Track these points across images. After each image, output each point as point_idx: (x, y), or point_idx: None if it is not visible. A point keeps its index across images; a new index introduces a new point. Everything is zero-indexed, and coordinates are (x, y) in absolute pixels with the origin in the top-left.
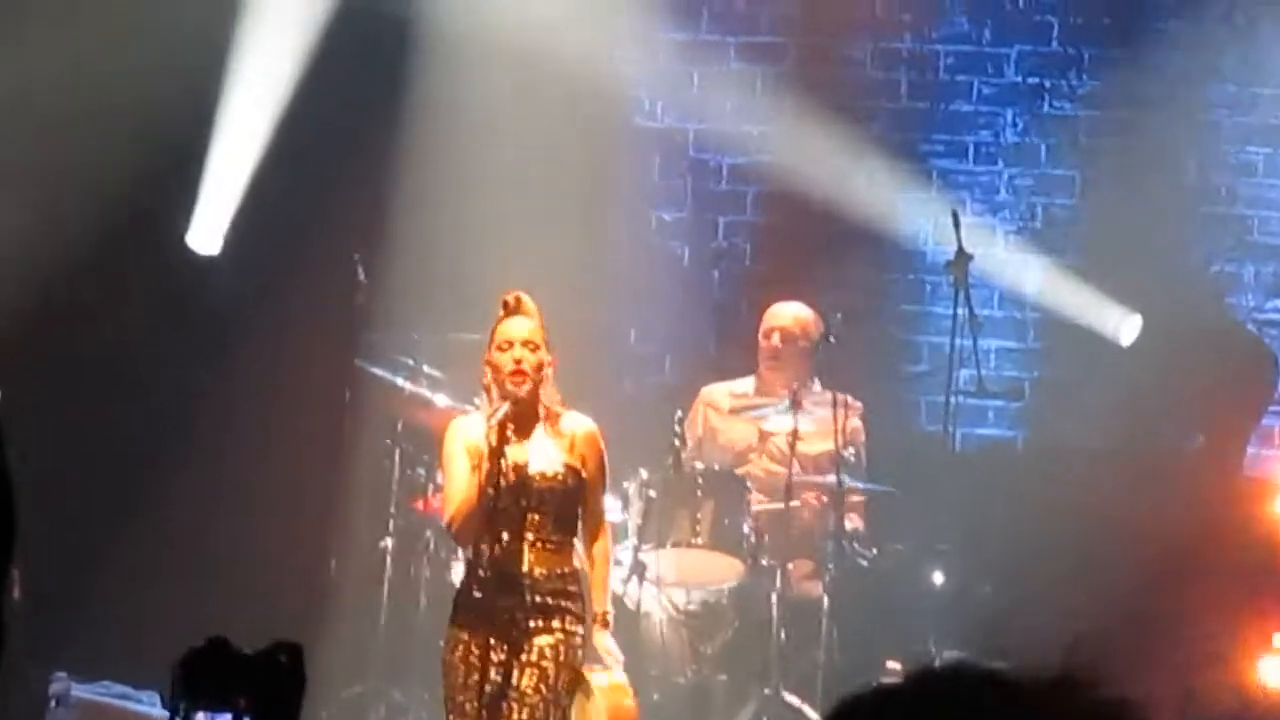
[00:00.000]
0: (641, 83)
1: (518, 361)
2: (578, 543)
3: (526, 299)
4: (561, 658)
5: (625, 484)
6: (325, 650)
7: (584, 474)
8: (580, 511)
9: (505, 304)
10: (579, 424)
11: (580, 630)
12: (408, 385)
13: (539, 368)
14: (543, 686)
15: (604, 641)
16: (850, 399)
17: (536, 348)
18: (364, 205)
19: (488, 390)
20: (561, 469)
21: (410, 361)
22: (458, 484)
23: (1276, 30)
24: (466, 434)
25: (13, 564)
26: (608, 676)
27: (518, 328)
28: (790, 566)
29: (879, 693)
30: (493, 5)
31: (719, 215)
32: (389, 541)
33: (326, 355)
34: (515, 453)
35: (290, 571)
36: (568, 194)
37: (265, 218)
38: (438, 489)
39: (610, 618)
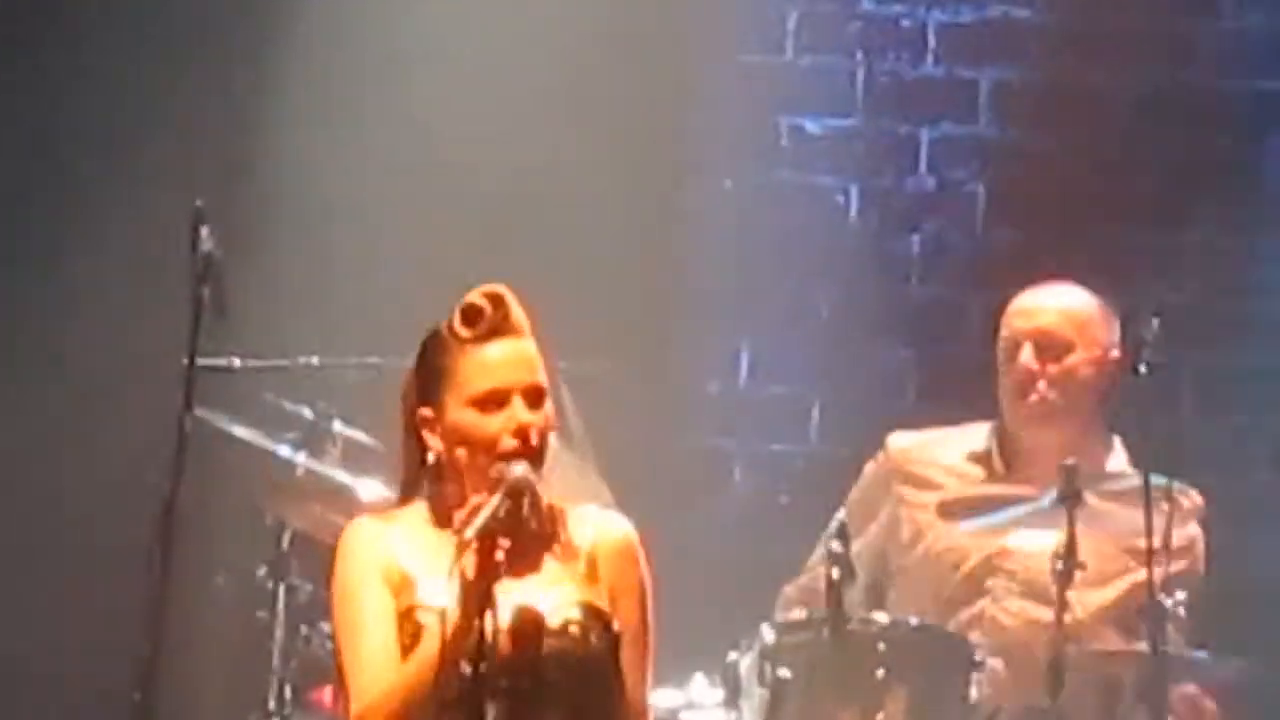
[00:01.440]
0: None
1: (522, 426)
2: None
3: (513, 303)
4: None
5: (733, 655)
6: None
7: (615, 624)
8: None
9: (473, 311)
10: (601, 527)
11: None
12: (301, 460)
13: (547, 432)
14: None
15: None
16: (1183, 487)
17: (542, 395)
18: (217, 115)
19: (436, 474)
20: (578, 615)
21: (307, 413)
22: (373, 653)
23: None
24: (385, 551)
25: None
26: None
27: (508, 360)
28: None
29: None
30: None
31: (919, 127)
32: None
33: (144, 400)
34: (509, 596)
35: None
36: (594, 80)
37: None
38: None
39: None
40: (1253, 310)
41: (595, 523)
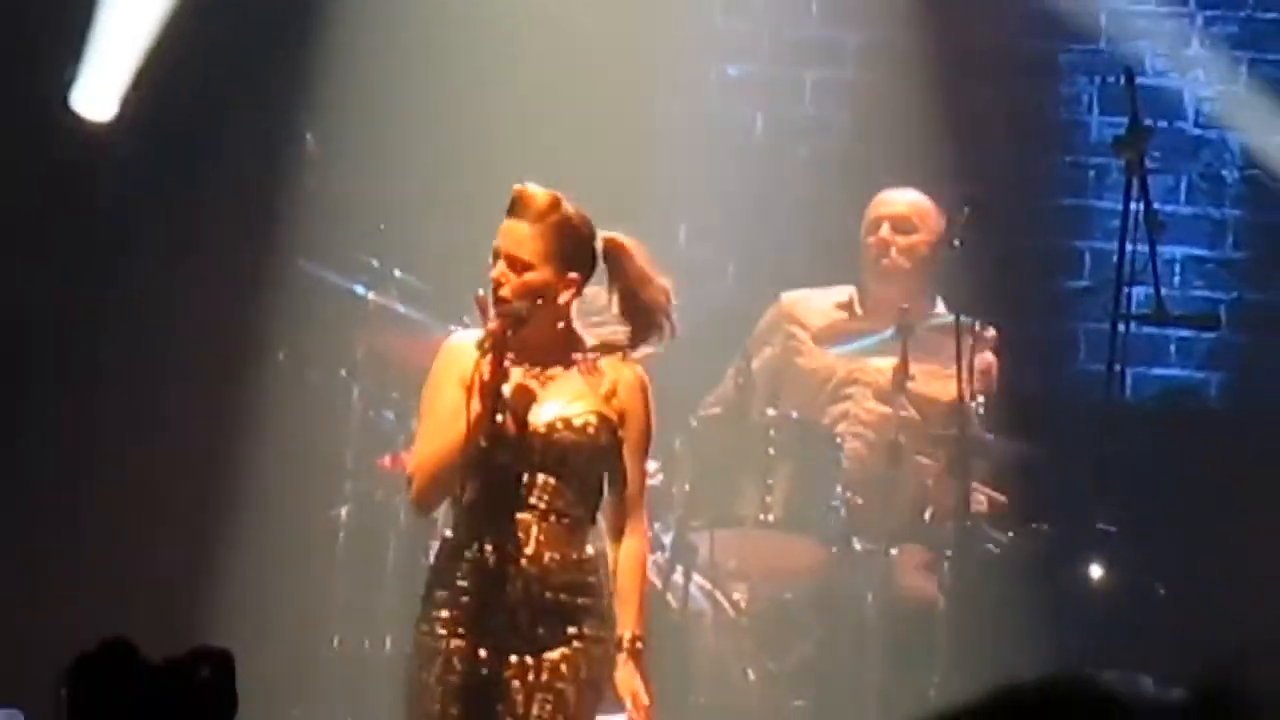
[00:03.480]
0: None
1: (497, 283)
2: (600, 526)
3: (534, 194)
4: (582, 675)
5: (669, 439)
6: (259, 660)
7: (620, 432)
8: (609, 484)
9: (509, 199)
10: (624, 368)
11: (606, 637)
12: (371, 296)
13: (527, 292)
14: (562, 712)
15: (629, 680)
16: (981, 325)
17: (527, 266)
18: (313, 54)
19: (481, 309)
20: (592, 419)
21: (375, 263)
22: (435, 425)
23: None
24: (462, 361)
25: None
26: None
27: (508, 235)
28: (895, 554)
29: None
30: None
31: (805, 70)
32: (343, 511)
33: (258, 256)
34: (519, 393)
35: (206, 556)
36: (598, 40)
37: (175, 74)
38: (411, 440)
39: (641, 644)
40: (1030, 206)
41: (622, 365)
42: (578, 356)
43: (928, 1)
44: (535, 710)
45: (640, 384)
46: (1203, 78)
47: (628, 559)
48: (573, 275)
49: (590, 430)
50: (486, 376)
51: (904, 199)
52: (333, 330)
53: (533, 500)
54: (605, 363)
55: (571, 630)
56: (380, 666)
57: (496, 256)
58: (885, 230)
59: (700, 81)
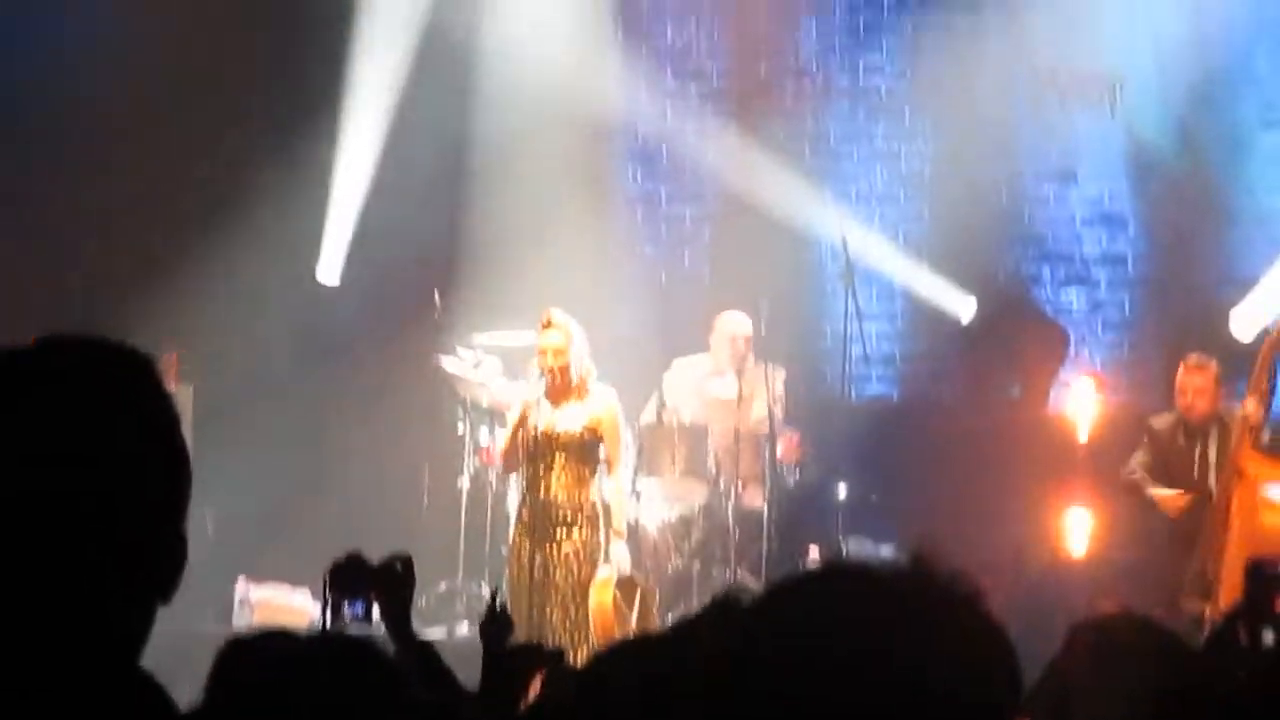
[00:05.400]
0: (628, 151)
1: (542, 362)
2: (597, 480)
3: (555, 316)
4: (581, 556)
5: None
6: (424, 557)
7: (599, 433)
8: (597, 459)
9: (542, 320)
10: (600, 396)
11: (597, 537)
12: (471, 374)
13: (560, 364)
14: (570, 576)
15: (615, 550)
16: (775, 369)
17: (559, 353)
18: (441, 241)
19: (541, 371)
20: (579, 429)
21: (472, 356)
22: (505, 433)
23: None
24: (521, 400)
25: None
26: (604, 570)
27: (544, 340)
28: (740, 485)
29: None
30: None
31: (685, 247)
32: (464, 481)
33: (418, 357)
34: (549, 413)
35: (398, 503)
36: (583, 242)
37: (369, 254)
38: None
39: (622, 531)
40: (809, 311)
41: (600, 393)
42: (575, 391)
43: None
44: (558, 574)
45: (608, 405)
46: (885, 224)
47: (611, 491)
48: (577, 351)
49: (579, 435)
50: (534, 406)
51: (739, 319)
52: (454, 391)
53: (555, 470)
54: (591, 394)
55: (576, 535)
56: (487, 557)
57: (542, 352)
58: (739, 343)
59: (639, 258)
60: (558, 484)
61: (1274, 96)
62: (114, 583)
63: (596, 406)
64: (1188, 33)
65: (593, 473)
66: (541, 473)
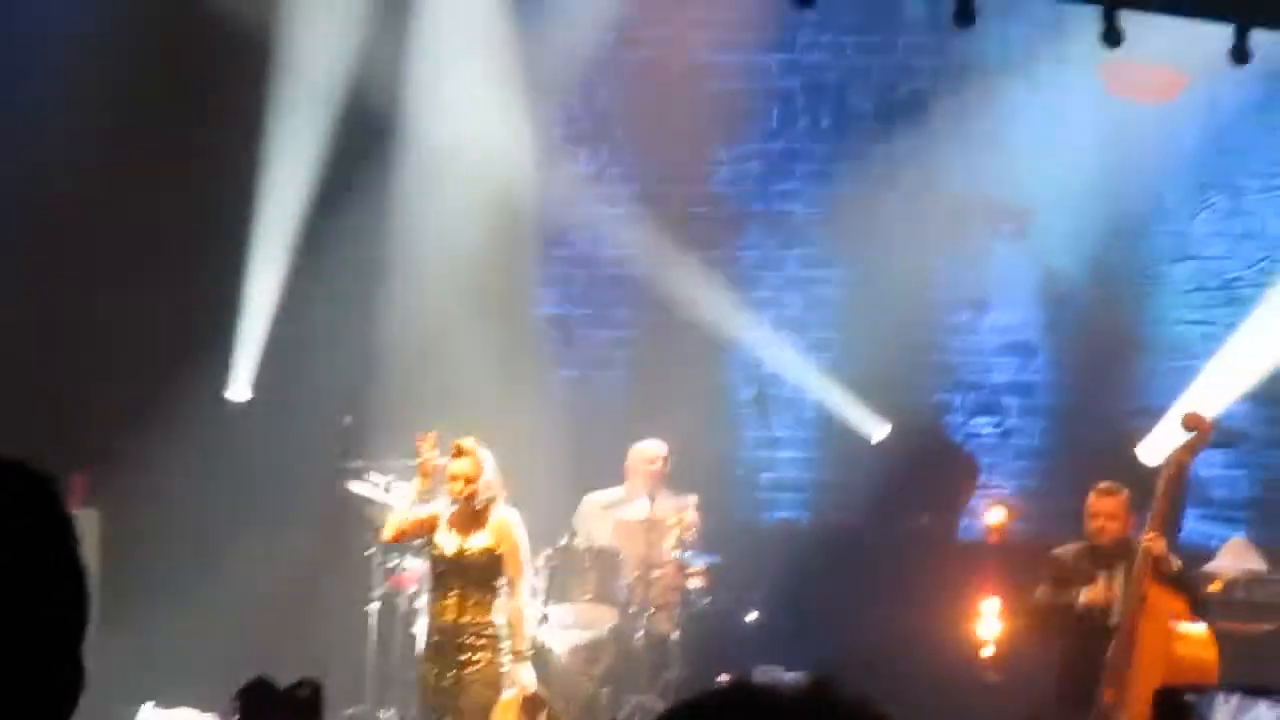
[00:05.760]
0: (543, 276)
1: (452, 489)
2: (501, 601)
3: (464, 444)
4: (485, 678)
5: (536, 559)
6: (333, 682)
7: (500, 552)
8: (499, 581)
9: (453, 449)
10: (500, 516)
11: (499, 659)
12: (381, 499)
13: (469, 491)
14: (475, 700)
15: (520, 671)
16: (688, 497)
17: (469, 480)
18: (353, 362)
19: (451, 498)
20: (479, 550)
21: (384, 481)
22: (411, 513)
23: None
24: (428, 509)
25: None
26: (509, 693)
27: (454, 467)
28: (651, 612)
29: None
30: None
31: (603, 371)
32: (374, 605)
33: (326, 478)
34: (455, 539)
35: (306, 630)
36: (498, 364)
37: (277, 370)
38: (403, 570)
39: (526, 652)
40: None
41: (500, 513)
42: (477, 513)
43: None
44: (463, 698)
45: (507, 525)
46: (801, 347)
47: (513, 611)
48: (486, 479)
49: (480, 555)
50: (441, 528)
51: (656, 446)
52: (364, 517)
53: (458, 592)
54: (493, 514)
55: (479, 657)
56: (395, 681)
57: (452, 478)
58: (658, 465)
59: (555, 382)
60: (460, 608)
61: (1184, 228)
62: (4, 709)
63: (498, 527)
64: (1099, 164)
65: (495, 595)
66: (445, 597)
